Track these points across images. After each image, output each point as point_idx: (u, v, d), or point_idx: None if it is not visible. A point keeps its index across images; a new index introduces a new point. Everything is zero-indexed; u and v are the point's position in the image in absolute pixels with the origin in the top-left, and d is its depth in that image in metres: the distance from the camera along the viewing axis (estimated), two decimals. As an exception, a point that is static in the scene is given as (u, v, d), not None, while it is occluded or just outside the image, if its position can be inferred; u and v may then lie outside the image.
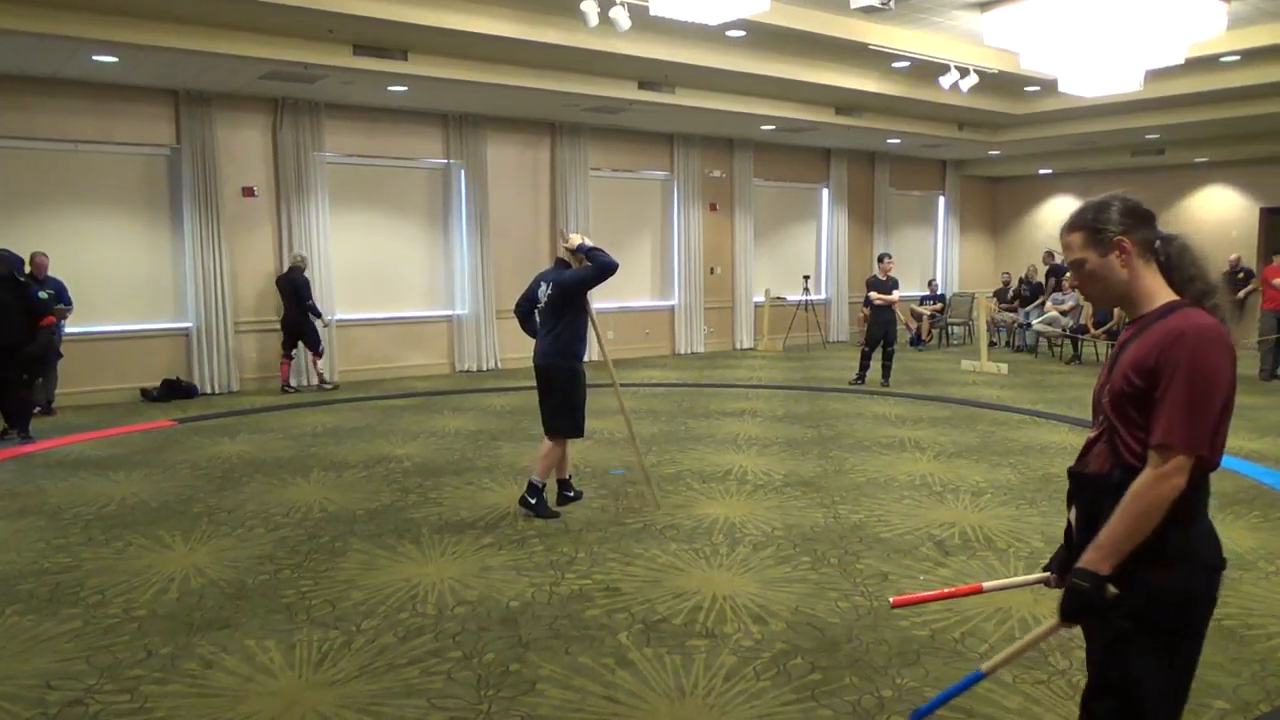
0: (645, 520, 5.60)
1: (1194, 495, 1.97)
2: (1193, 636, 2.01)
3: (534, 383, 5.82)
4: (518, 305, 5.92)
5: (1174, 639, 2.00)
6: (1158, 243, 2.09)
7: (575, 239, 5.76)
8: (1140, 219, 2.09)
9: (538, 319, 5.81)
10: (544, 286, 5.74)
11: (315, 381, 11.17)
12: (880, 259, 11.60)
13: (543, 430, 5.84)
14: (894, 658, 3.68)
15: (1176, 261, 2.08)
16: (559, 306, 5.65)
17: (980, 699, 3.27)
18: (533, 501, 5.69)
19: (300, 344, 10.98)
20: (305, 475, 6.77)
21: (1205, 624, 2.02)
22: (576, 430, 5.77)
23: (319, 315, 10.96)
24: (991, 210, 19.77)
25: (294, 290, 10.75)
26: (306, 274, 10.89)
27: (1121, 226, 2.07)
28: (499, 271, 12.67)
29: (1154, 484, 1.93)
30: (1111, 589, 1.96)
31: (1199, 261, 2.07)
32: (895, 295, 11.14)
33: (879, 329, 11.06)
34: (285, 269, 10.94)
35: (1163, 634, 1.99)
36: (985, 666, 2.31)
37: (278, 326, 11.07)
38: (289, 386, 10.97)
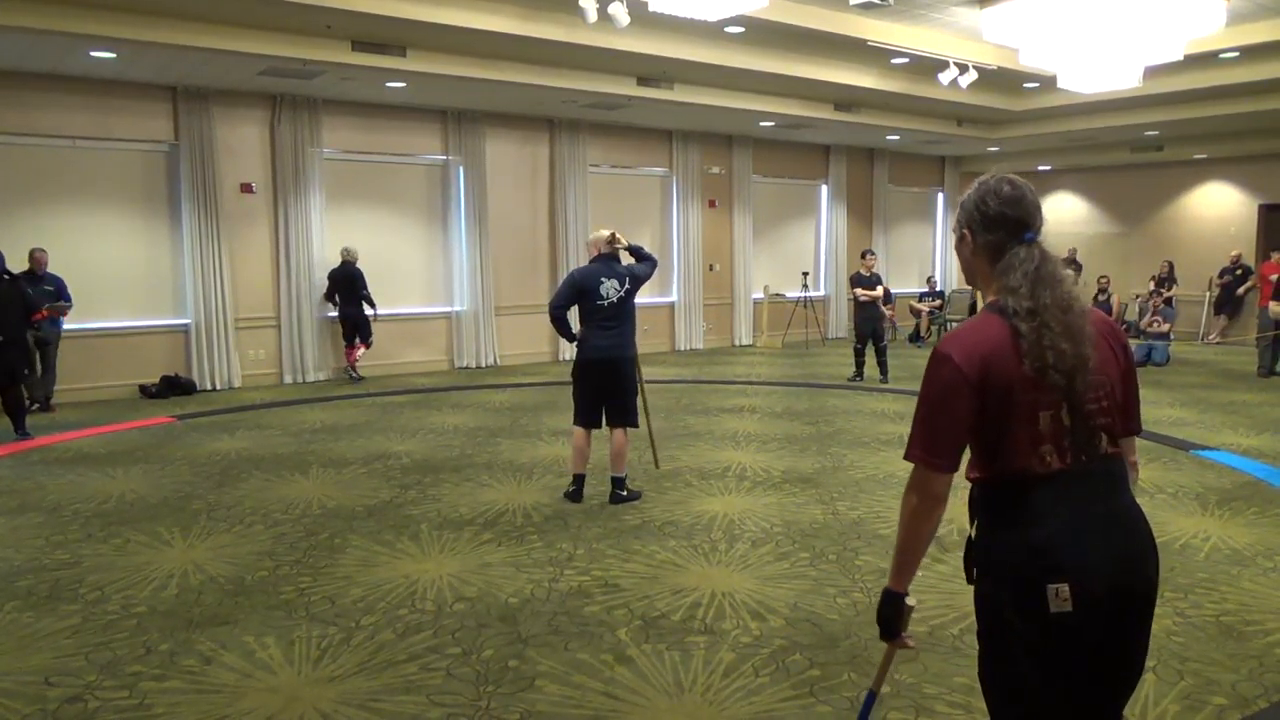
0: (644, 516, 5.60)
1: (1004, 505, 1.93)
2: (1014, 647, 1.90)
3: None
4: (560, 306, 5.79)
5: (994, 647, 1.96)
6: (1011, 245, 1.96)
7: (622, 236, 5.99)
8: (993, 219, 1.96)
9: (579, 316, 5.86)
10: (608, 283, 5.75)
11: (347, 371, 11.40)
12: (863, 255, 11.63)
13: (579, 424, 5.92)
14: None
15: (1003, 270, 1.95)
16: (629, 300, 5.83)
17: (979, 694, 3.27)
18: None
19: (355, 335, 11.24)
20: (304, 472, 6.78)
21: (1033, 634, 1.87)
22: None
23: (373, 306, 11.20)
24: (990, 207, 19.74)
25: (350, 283, 11.01)
26: (359, 265, 11.13)
27: (967, 221, 2.02)
28: (498, 268, 12.68)
29: (905, 497, 1.99)
30: (910, 601, 2.00)
31: (1020, 274, 1.92)
32: (879, 290, 11.17)
33: (867, 325, 11.12)
34: (339, 263, 11.14)
35: (985, 641, 1.99)
36: (873, 686, 2.30)
37: (275, 324, 11.11)
38: (355, 375, 11.23)
